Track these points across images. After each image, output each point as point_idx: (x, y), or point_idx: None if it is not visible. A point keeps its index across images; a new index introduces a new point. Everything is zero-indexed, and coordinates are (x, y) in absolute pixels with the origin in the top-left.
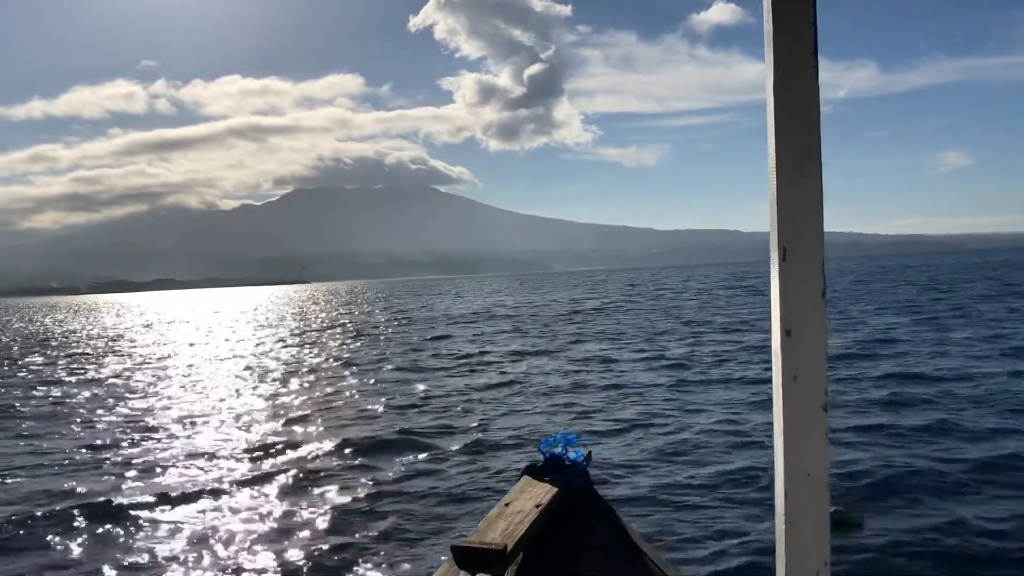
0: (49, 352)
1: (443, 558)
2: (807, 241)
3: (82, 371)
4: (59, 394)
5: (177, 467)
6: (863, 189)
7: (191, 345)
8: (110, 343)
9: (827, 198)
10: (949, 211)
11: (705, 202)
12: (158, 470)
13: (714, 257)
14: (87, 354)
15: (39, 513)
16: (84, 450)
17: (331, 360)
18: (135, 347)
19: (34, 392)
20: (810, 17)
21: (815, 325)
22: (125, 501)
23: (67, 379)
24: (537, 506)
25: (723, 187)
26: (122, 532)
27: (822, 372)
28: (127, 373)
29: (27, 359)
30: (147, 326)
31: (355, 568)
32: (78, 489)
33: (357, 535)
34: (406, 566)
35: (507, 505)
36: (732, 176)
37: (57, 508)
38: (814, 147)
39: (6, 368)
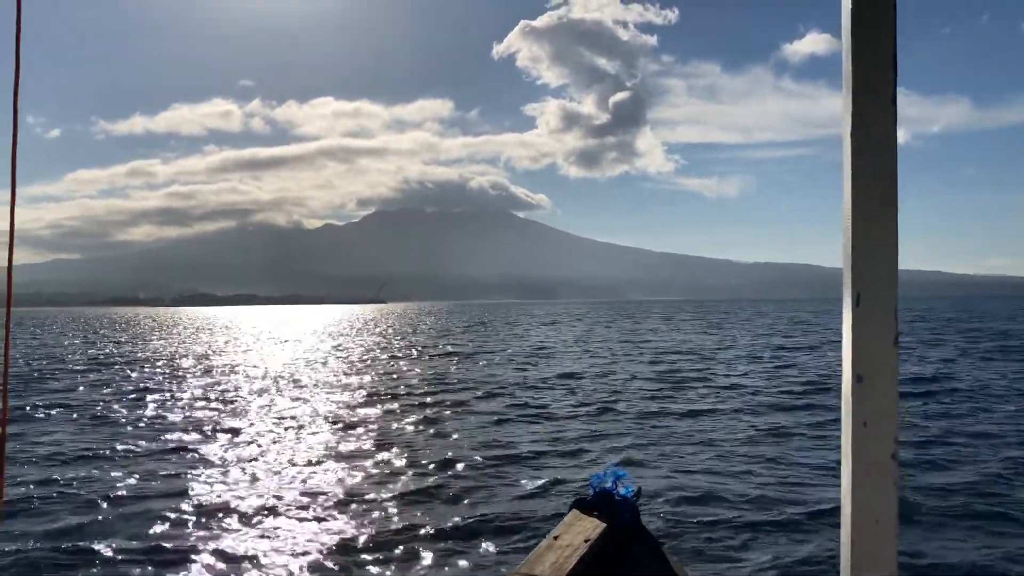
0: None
1: None
2: (881, 287)
3: None
4: None
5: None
6: (952, 227)
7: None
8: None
9: (915, 235)
10: None
11: (785, 235)
12: None
13: (795, 292)
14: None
15: None
16: None
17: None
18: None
19: None
20: (891, 61)
21: (887, 372)
22: None
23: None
24: (586, 541)
25: (804, 221)
26: None
27: (893, 419)
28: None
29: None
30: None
31: None
32: None
33: (404, 563)
34: None
35: (556, 538)
36: (814, 209)
37: None
38: (891, 193)
39: None
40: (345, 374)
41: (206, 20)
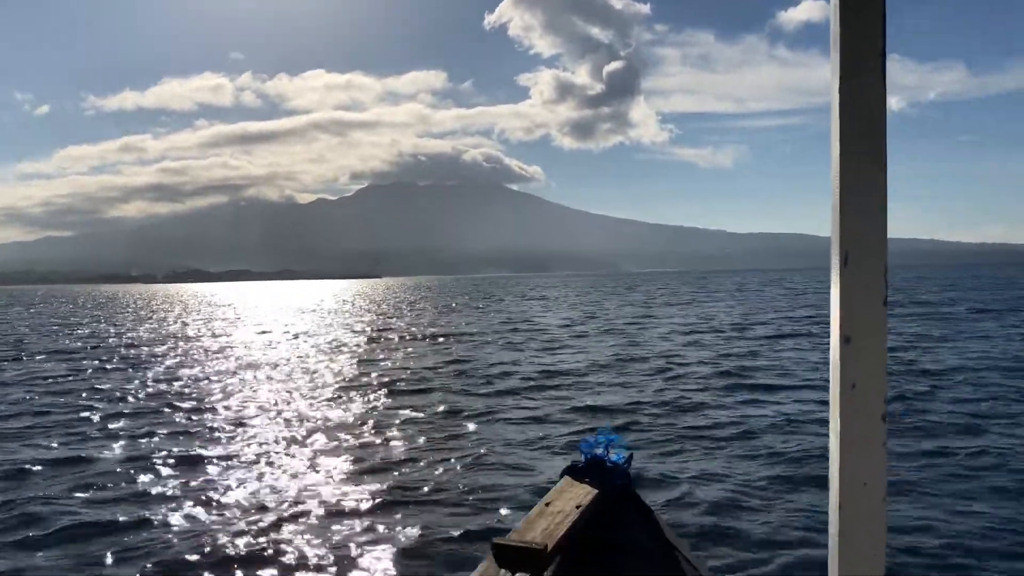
0: None
1: (483, 556)
2: (870, 247)
3: None
4: None
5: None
6: (947, 195)
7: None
8: None
9: (910, 203)
10: None
11: (781, 205)
12: None
13: (790, 262)
14: None
15: None
16: None
17: None
18: None
19: None
20: (879, 18)
21: (876, 332)
22: None
23: None
24: (578, 507)
25: (798, 190)
26: None
27: (882, 380)
28: None
29: None
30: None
31: (393, 563)
32: None
33: (395, 529)
34: (445, 563)
35: (548, 505)
36: (808, 179)
37: None
38: (879, 152)
39: None
40: (357, 362)
41: None
